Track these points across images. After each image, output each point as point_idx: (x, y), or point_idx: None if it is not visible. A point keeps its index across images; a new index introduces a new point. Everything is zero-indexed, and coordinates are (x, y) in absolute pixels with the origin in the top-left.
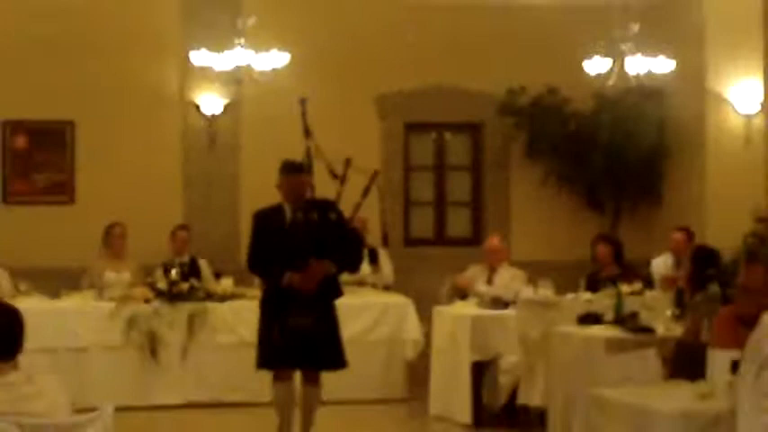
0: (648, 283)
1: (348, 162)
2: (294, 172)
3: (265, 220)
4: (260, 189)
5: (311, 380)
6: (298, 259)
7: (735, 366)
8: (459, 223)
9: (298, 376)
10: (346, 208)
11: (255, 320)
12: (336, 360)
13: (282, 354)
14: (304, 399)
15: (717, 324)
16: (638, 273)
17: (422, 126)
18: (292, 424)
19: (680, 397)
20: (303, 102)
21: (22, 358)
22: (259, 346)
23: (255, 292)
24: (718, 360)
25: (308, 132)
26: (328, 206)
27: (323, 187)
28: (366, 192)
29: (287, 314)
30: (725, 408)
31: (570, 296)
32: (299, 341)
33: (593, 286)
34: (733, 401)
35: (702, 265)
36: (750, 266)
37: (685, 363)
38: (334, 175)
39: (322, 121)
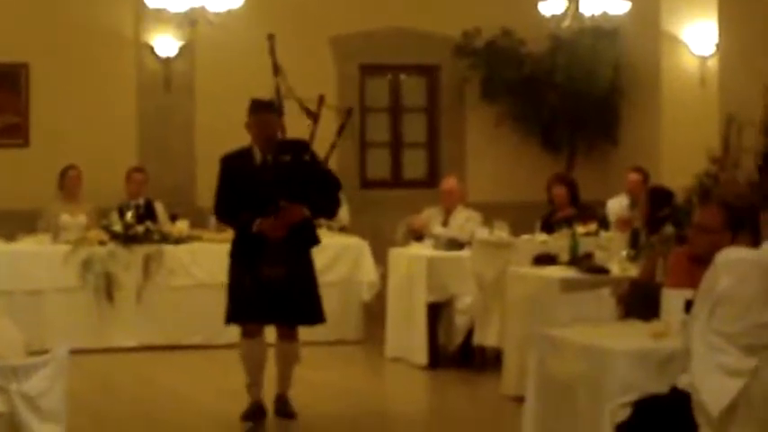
0: (604, 223)
1: (321, 99)
2: (264, 110)
3: (233, 164)
4: (216, 131)
5: (287, 336)
6: (269, 204)
7: (688, 306)
8: (414, 165)
9: (269, 332)
10: (320, 149)
11: (212, 261)
12: (313, 313)
13: (254, 307)
14: (279, 356)
15: (671, 264)
16: (593, 214)
17: (377, 68)
18: (261, 384)
19: (634, 336)
20: (271, 38)
21: None
22: (229, 299)
23: (211, 234)
24: (672, 300)
25: (276, 69)
26: (301, 147)
27: (293, 129)
28: (341, 130)
29: (259, 264)
30: (678, 347)
31: (526, 237)
32: (272, 293)
33: (549, 227)
34: (686, 340)
35: (657, 206)
36: (704, 206)
37: (640, 303)
38: (309, 113)
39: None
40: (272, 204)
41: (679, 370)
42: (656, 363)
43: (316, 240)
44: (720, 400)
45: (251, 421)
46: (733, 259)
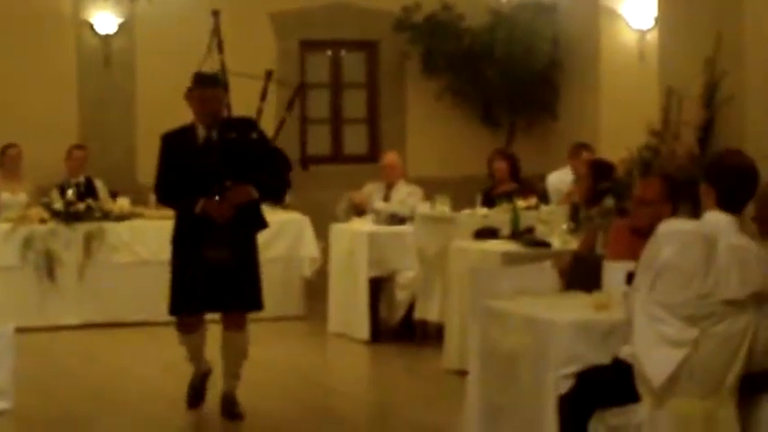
0: (544, 198)
1: (269, 75)
2: (207, 84)
3: (174, 143)
4: (156, 109)
5: (234, 323)
6: (213, 184)
7: (629, 278)
8: (355, 141)
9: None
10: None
11: (153, 238)
12: (252, 300)
13: (198, 296)
14: (225, 348)
15: (612, 236)
16: (533, 188)
17: (317, 44)
18: (204, 355)
19: (576, 308)
20: (216, 14)
21: None
22: (172, 288)
23: (152, 211)
24: (613, 271)
25: (221, 47)
26: (248, 124)
27: (240, 107)
28: (290, 105)
29: (202, 247)
30: (620, 318)
31: (467, 211)
32: (216, 277)
33: (490, 202)
34: (628, 312)
35: (599, 180)
36: (645, 179)
37: (581, 275)
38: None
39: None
40: (218, 184)
41: (621, 341)
42: (599, 334)
43: (263, 224)
44: (662, 371)
45: (195, 400)
46: (674, 230)
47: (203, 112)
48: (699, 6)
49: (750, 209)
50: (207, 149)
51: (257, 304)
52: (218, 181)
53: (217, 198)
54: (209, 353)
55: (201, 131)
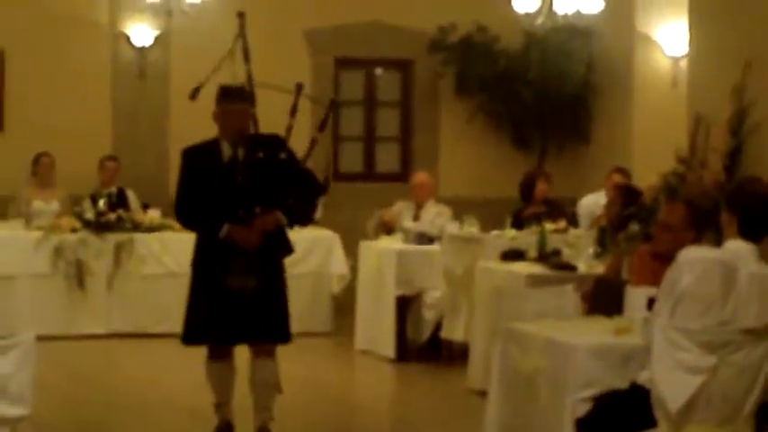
0: (573, 221)
1: (300, 88)
2: (234, 99)
3: (197, 159)
4: (190, 121)
5: (262, 351)
6: (239, 208)
7: (651, 303)
8: (387, 159)
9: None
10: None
11: (182, 251)
12: (280, 332)
13: (219, 327)
14: (255, 380)
15: (635, 261)
16: (562, 211)
17: (352, 62)
18: (230, 403)
19: (596, 332)
20: (241, 16)
21: None
22: (188, 315)
23: None
24: (635, 297)
25: (247, 54)
26: (277, 143)
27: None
28: (323, 125)
29: (225, 274)
30: (639, 343)
31: (495, 233)
32: (241, 307)
33: (519, 223)
34: (647, 337)
35: (626, 205)
36: (670, 205)
37: (604, 299)
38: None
39: (251, 55)
40: (245, 209)
41: (640, 366)
42: (618, 358)
43: (289, 249)
44: (679, 397)
45: None
46: (695, 258)
47: (229, 129)
48: (728, 34)
49: None
50: (232, 169)
51: (285, 336)
52: (244, 204)
53: (245, 225)
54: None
55: (227, 149)
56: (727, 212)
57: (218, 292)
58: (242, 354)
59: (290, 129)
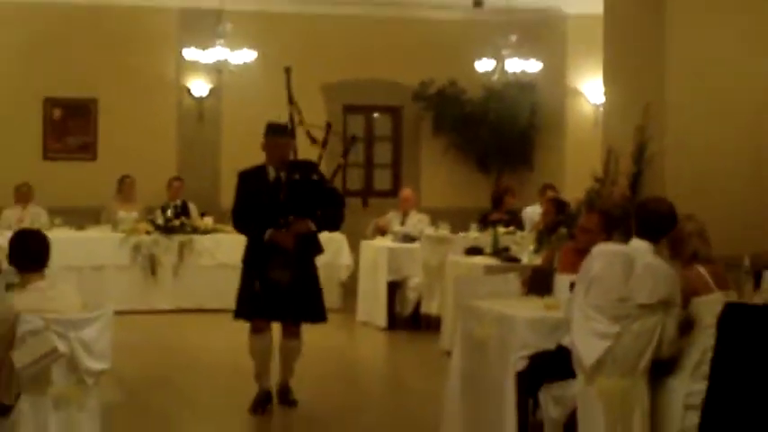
0: (520, 225)
1: (329, 127)
2: (278, 134)
3: (249, 180)
4: (236, 153)
5: (290, 333)
6: (280, 217)
7: (572, 286)
8: (382, 180)
9: (276, 329)
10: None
11: (229, 248)
12: (315, 312)
13: (261, 305)
14: (283, 350)
15: (561, 255)
16: (519, 219)
17: (356, 108)
18: (268, 374)
19: (532, 308)
20: (288, 70)
21: (56, 273)
22: (239, 298)
23: (230, 228)
24: (561, 282)
25: (291, 99)
26: (310, 167)
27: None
28: (345, 155)
29: (267, 268)
30: (563, 316)
31: (462, 234)
32: (278, 294)
33: (485, 223)
34: (569, 311)
35: (557, 213)
36: (588, 213)
37: (538, 284)
38: (313, 140)
39: (281, 103)
40: (283, 218)
41: (564, 333)
42: (548, 327)
43: (319, 249)
44: (592, 356)
45: (259, 408)
46: (603, 250)
47: (274, 156)
48: (632, 86)
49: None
50: (276, 187)
51: (322, 316)
52: (284, 215)
53: (283, 230)
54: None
55: (272, 172)
56: (634, 219)
57: (262, 282)
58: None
59: (320, 157)
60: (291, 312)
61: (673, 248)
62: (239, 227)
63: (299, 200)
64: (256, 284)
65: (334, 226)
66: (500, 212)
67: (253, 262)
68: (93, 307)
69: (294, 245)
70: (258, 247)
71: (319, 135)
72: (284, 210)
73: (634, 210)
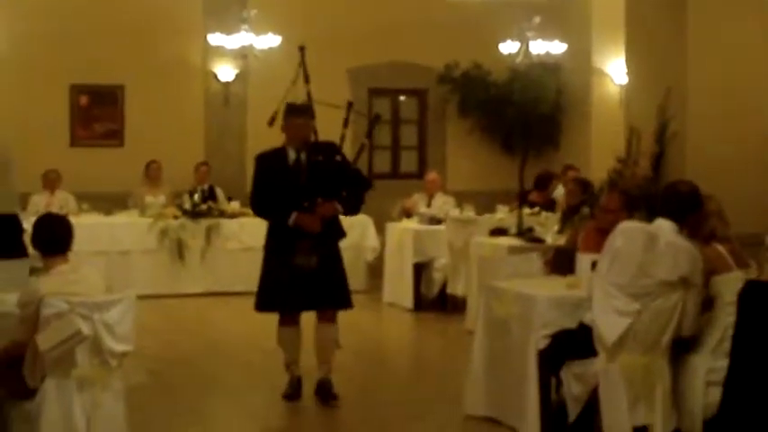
0: (550, 206)
1: (350, 105)
2: (298, 114)
3: (268, 162)
4: (262, 136)
5: (325, 318)
6: (304, 199)
7: (594, 265)
8: (408, 162)
9: (304, 320)
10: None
11: (256, 231)
12: (342, 299)
13: (288, 297)
14: (318, 338)
15: (583, 235)
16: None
17: (381, 91)
18: (299, 359)
19: (554, 287)
20: (302, 49)
21: (81, 257)
22: (261, 288)
23: None
24: (583, 261)
25: (307, 77)
26: (332, 148)
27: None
28: (369, 134)
29: (293, 254)
30: (584, 294)
31: (486, 215)
32: (305, 281)
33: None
34: (590, 290)
35: (581, 193)
36: (610, 193)
37: (561, 264)
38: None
39: (303, 88)
40: (309, 200)
41: (585, 311)
42: (569, 306)
43: (343, 233)
44: (613, 333)
45: (292, 397)
46: (626, 226)
47: (293, 138)
48: (654, 67)
49: None
50: (297, 170)
51: (348, 302)
52: (308, 197)
53: (309, 213)
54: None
55: (292, 154)
56: (659, 199)
57: (287, 268)
58: (308, 320)
59: (342, 138)
60: (317, 299)
61: (691, 228)
62: (260, 211)
63: (321, 182)
64: (282, 273)
65: (356, 209)
66: (542, 195)
67: (276, 248)
68: (116, 290)
69: (320, 228)
70: (281, 233)
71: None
72: (306, 193)
73: (660, 191)
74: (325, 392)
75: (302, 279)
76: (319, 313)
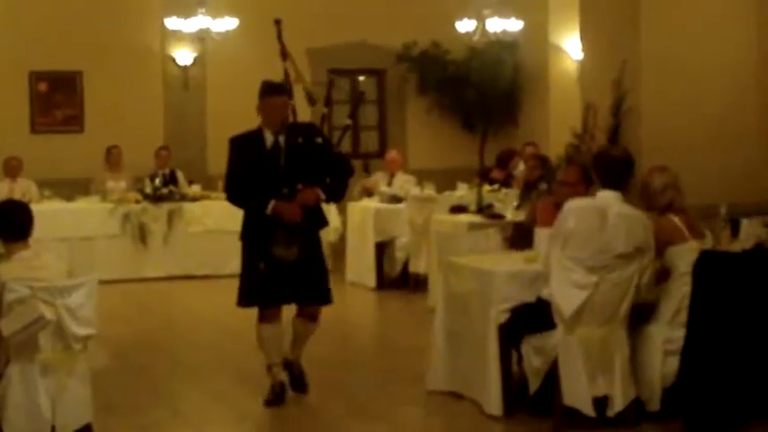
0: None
1: (331, 83)
2: (275, 93)
3: (243, 146)
4: (221, 120)
5: (308, 315)
6: (283, 186)
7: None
8: (369, 142)
9: (285, 315)
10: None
11: (218, 214)
12: (322, 295)
13: (268, 290)
14: (296, 332)
15: (540, 209)
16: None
17: (341, 71)
18: (282, 362)
19: (512, 261)
20: (278, 23)
21: (42, 244)
22: (242, 282)
23: (218, 194)
24: (540, 236)
25: (284, 54)
26: (313, 130)
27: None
28: (353, 114)
29: (271, 245)
30: (542, 269)
31: (446, 193)
32: (286, 274)
33: (484, 180)
34: (547, 264)
35: (538, 169)
36: (568, 167)
37: (521, 239)
38: (311, 100)
39: (262, 71)
40: (288, 187)
41: (543, 285)
42: (527, 280)
43: (325, 222)
44: (571, 306)
45: (274, 403)
46: (575, 206)
47: (270, 118)
48: (609, 42)
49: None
50: (275, 154)
51: (328, 298)
52: (287, 183)
53: (289, 200)
54: None
55: (269, 136)
56: (594, 171)
57: (266, 262)
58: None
59: (324, 117)
60: (300, 293)
61: (647, 200)
62: (235, 199)
63: (302, 166)
64: (261, 266)
65: (340, 196)
66: (503, 172)
67: (253, 239)
68: (78, 274)
69: (301, 217)
70: (259, 222)
71: (319, 94)
72: (285, 178)
73: (592, 162)
74: (299, 381)
75: (282, 271)
76: (302, 308)
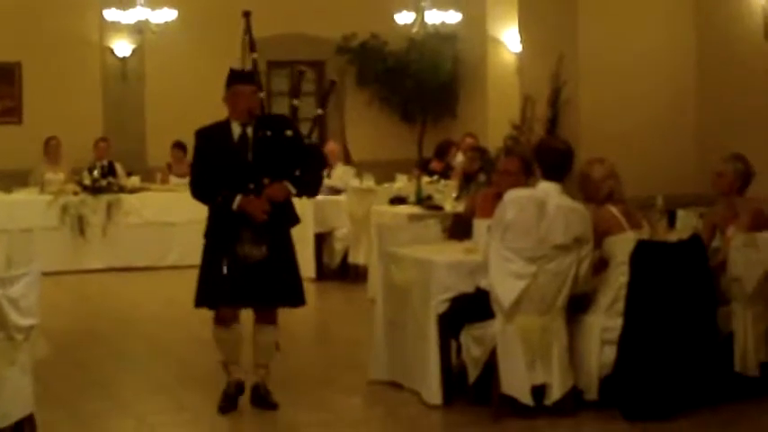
0: (444, 174)
1: (302, 74)
2: (242, 81)
3: (208, 139)
4: (160, 111)
5: (265, 318)
6: (250, 181)
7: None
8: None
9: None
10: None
11: (157, 206)
12: (294, 295)
13: (228, 289)
14: (257, 340)
15: (480, 200)
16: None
17: (280, 63)
18: (239, 359)
19: (452, 252)
20: (247, 15)
21: None
22: (200, 281)
23: (156, 186)
24: (480, 227)
25: (253, 47)
26: (283, 122)
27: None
28: (324, 103)
29: (236, 244)
30: (481, 259)
31: (386, 185)
32: (252, 274)
33: (424, 169)
34: (486, 255)
35: (477, 161)
36: (507, 158)
37: (460, 230)
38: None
39: (201, 62)
40: (254, 182)
41: (482, 275)
42: (466, 270)
43: (296, 219)
44: (510, 296)
45: (227, 409)
46: (515, 197)
47: (239, 108)
48: (547, 34)
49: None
50: (242, 147)
51: (301, 299)
52: (254, 178)
53: (255, 196)
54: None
55: (236, 128)
56: (536, 162)
57: (230, 260)
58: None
59: (294, 109)
60: (265, 294)
61: (586, 191)
62: (199, 195)
63: (270, 160)
64: (224, 264)
65: (314, 191)
66: (442, 164)
67: (218, 236)
68: (20, 264)
69: (268, 214)
70: (224, 218)
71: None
72: (252, 172)
73: (533, 153)
74: (262, 399)
75: (247, 271)
76: (258, 313)
